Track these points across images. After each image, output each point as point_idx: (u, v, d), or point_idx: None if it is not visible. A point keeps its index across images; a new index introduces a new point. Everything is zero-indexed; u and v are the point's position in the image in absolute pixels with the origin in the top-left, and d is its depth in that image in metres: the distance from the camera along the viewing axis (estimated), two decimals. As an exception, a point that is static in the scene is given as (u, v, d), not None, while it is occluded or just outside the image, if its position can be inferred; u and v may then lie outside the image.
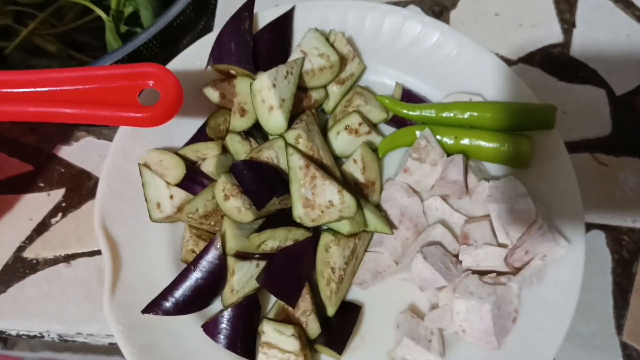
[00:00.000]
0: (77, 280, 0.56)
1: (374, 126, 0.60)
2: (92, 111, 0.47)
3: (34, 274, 0.56)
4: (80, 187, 0.59)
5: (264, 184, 0.52)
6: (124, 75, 0.48)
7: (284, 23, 0.62)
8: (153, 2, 0.76)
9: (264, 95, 0.55)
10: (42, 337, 0.54)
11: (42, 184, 0.60)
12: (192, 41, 0.65)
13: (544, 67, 0.66)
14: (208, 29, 0.72)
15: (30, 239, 0.57)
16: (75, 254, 0.57)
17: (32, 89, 0.47)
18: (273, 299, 0.53)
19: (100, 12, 0.75)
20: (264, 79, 0.55)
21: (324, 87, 0.60)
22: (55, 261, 0.57)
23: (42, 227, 0.58)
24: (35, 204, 0.59)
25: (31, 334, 0.54)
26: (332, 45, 0.60)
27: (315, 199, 0.51)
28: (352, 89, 0.61)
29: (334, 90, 0.60)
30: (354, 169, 0.56)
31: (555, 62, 0.66)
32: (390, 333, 0.52)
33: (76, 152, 0.61)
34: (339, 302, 0.52)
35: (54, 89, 0.47)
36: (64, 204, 0.59)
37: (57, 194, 0.59)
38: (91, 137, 0.61)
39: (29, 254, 0.57)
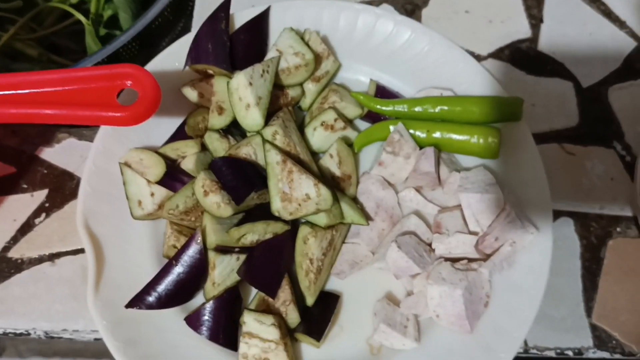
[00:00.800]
0: (62, 278, 0.57)
1: (349, 122, 0.61)
2: (73, 111, 0.48)
3: (19, 273, 0.57)
4: (62, 188, 0.60)
5: (242, 180, 0.53)
6: (102, 76, 0.49)
7: (260, 23, 0.64)
8: (132, 5, 0.78)
9: (241, 94, 0.56)
10: (29, 334, 0.55)
11: (25, 185, 0.61)
12: (171, 42, 0.66)
13: (513, 62, 0.68)
14: (187, 30, 0.73)
15: (14, 240, 0.58)
16: (60, 253, 0.58)
17: (13, 92, 0.48)
18: (254, 290, 0.55)
19: (79, 16, 0.76)
20: (240, 78, 0.56)
21: (300, 85, 0.61)
22: (39, 260, 0.58)
23: (26, 228, 0.59)
24: (19, 205, 0.60)
25: (17, 331, 0.55)
26: (307, 44, 0.62)
27: (292, 192, 0.53)
28: (327, 86, 0.63)
29: (310, 87, 0.62)
30: (330, 163, 0.58)
31: (523, 56, 0.68)
32: (368, 321, 0.53)
33: (58, 154, 0.62)
34: (318, 292, 0.54)
35: (35, 90, 0.48)
36: (47, 205, 0.60)
37: (40, 195, 0.60)
38: (72, 138, 0.62)
39: (14, 254, 0.58)
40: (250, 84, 0.56)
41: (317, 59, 0.62)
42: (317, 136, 0.60)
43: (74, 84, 0.49)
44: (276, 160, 0.54)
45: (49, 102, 0.48)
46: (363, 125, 0.63)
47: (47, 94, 0.49)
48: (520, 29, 0.70)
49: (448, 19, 0.71)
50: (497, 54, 0.68)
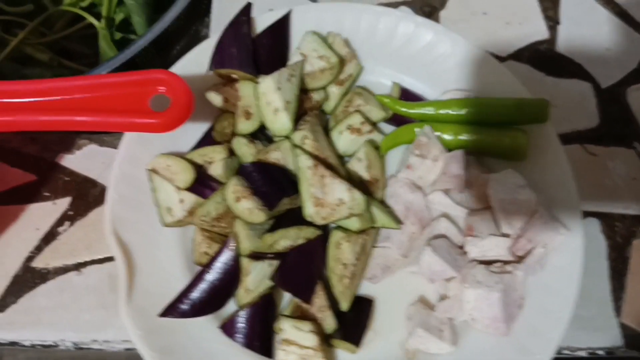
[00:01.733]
0: (88, 287, 0.56)
1: (374, 125, 0.61)
2: (105, 118, 0.47)
3: (44, 283, 0.56)
4: (85, 195, 0.59)
5: (274, 185, 0.53)
6: (134, 82, 0.48)
7: (282, 27, 0.64)
8: (145, 8, 0.77)
9: (269, 98, 0.56)
10: (57, 346, 0.54)
11: (46, 193, 0.59)
12: (185, 47, 0.66)
13: (532, 63, 0.68)
14: (198, 35, 0.73)
15: (38, 249, 0.57)
16: (85, 262, 0.57)
17: (45, 98, 0.47)
18: (287, 297, 0.54)
19: (93, 20, 0.75)
20: (268, 82, 0.56)
21: (324, 88, 0.61)
22: (65, 270, 0.57)
23: (49, 237, 0.58)
24: (41, 214, 0.59)
25: (46, 343, 0.54)
26: (331, 47, 0.61)
27: (325, 197, 0.53)
28: (351, 89, 0.63)
29: (334, 91, 0.62)
30: (358, 167, 0.58)
31: (542, 58, 0.69)
32: (402, 325, 0.53)
33: (79, 160, 0.61)
34: (352, 297, 0.53)
35: (66, 97, 0.47)
36: (70, 213, 0.59)
37: (63, 203, 0.59)
38: (93, 144, 0.62)
39: (38, 263, 0.57)
40: (279, 88, 0.56)
41: (341, 62, 0.61)
42: (344, 140, 0.59)
43: (105, 90, 0.48)
44: (307, 164, 0.53)
45: (81, 108, 0.47)
46: (388, 128, 0.62)
47: (78, 101, 0.48)
48: (538, 31, 0.70)
49: (466, 21, 0.71)
50: (517, 56, 0.69)
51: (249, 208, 0.52)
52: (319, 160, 0.54)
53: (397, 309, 0.54)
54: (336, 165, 0.56)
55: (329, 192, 0.53)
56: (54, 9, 0.79)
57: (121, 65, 0.65)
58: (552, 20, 0.71)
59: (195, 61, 0.62)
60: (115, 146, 0.62)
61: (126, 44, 0.76)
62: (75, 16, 0.79)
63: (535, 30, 0.70)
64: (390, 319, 0.54)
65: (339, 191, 0.53)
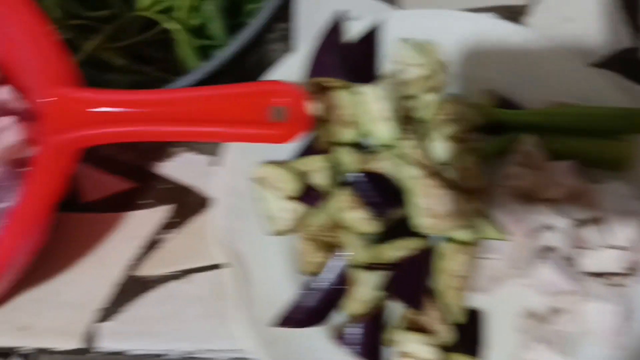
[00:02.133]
0: (193, 296, 0.56)
1: (472, 132, 0.61)
2: (226, 129, 0.48)
3: (149, 292, 0.56)
4: (185, 203, 0.59)
5: (384, 195, 0.53)
6: (253, 93, 0.48)
7: (374, 34, 0.63)
8: (224, 14, 0.76)
9: (373, 106, 0.56)
10: (167, 355, 0.54)
11: (144, 201, 0.59)
12: (260, 57, 0.66)
13: (621, 72, 0.67)
14: (271, 42, 0.71)
15: (140, 257, 0.57)
16: (190, 270, 0.57)
17: (167, 108, 0.47)
18: (398, 309, 0.54)
19: (173, 26, 0.75)
20: (372, 90, 0.55)
21: (420, 96, 0.61)
22: (168, 278, 0.56)
23: (151, 245, 0.58)
24: (141, 222, 0.58)
25: (155, 353, 0.54)
26: (428, 55, 0.61)
27: (435, 208, 0.52)
28: (446, 96, 0.62)
29: (429, 98, 0.61)
30: (458, 176, 0.57)
31: (631, 66, 0.68)
32: (513, 338, 0.53)
33: (176, 168, 0.61)
34: (463, 309, 0.53)
35: (187, 108, 0.48)
36: (170, 221, 0.59)
37: (163, 211, 0.59)
38: (190, 152, 0.61)
39: (142, 272, 0.57)
40: (383, 96, 0.55)
41: (438, 69, 0.61)
42: (443, 148, 0.59)
43: (224, 101, 0.48)
44: (416, 174, 0.53)
45: (202, 119, 0.48)
46: (483, 136, 0.62)
47: (198, 111, 0.48)
48: (624, 39, 0.69)
49: (553, 28, 0.70)
50: (605, 64, 0.68)
51: (359, 218, 0.52)
52: (427, 169, 0.54)
53: (507, 322, 0.53)
54: (439, 174, 0.55)
55: (439, 202, 0.52)
56: (131, 13, 0.79)
57: (210, 73, 0.64)
58: (638, 29, 0.70)
59: (288, 70, 0.61)
60: (208, 153, 0.61)
61: (205, 51, 0.77)
62: (149, 21, 0.79)
63: (621, 37, 0.69)
64: (501, 332, 0.53)
65: (449, 201, 0.52)
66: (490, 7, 0.72)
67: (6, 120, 0.54)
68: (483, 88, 0.63)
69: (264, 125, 0.48)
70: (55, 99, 0.46)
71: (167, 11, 0.80)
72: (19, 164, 0.52)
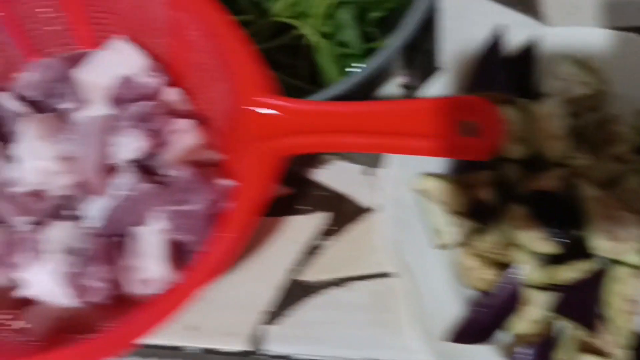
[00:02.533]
0: (355, 304, 0.56)
1: (634, 153, 0.60)
2: (420, 143, 0.47)
3: (311, 297, 0.57)
4: (341, 211, 0.60)
5: (561, 214, 0.52)
6: (446, 108, 0.48)
7: (532, 50, 0.62)
8: (359, 22, 0.76)
9: (547, 123, 0.55)
10: (330, 362, 0.54)
11: (302, 207, 0.60)
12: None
13: None
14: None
15: (302, 262, 0.58)
16: (349, 278, 0.57)
17: (360, 121, 0.47)
18: (566, 331, 0.53)
19: (312, 34, 0.74)
20: (546, 107, 0.55)
21: (584, 114, 0.60)
22: (330, 284, 0.57)
23: (311, 250, 0.58)
24: (299, 227, 0.59)
25: (321, 358, 0.54)
26: (590, 73, 0.60)
27: (614, 230, 0.51)
28: (607, 115, 0.61)
29: (594, 117, 0.60)
30: (626, 197, 0.56)
31: None
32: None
33: (330, 176, 0.61)
34: (634, 333, 0.52)
35: (379, 121, 0.48)
36: (329, 227, 0.59)
37: (320, 217, 0.60)
38: (343, 161, 0.62)
39: (304, 277, 0.57)
40: (557, 113, 0.55)
41: (600, 87, 0.60)
42: (606, 168, 0.58)
43: (419, 115, 0.48)
44: (594, 195, 0.52)
45: (395, 132, 0.48)
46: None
47: (391, 124, 0.48)
48: None
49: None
50: None
51: (535, 237, 0.51)
52: (605, 189, 0.53)
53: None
54: (618, 196, 0.54)
55: (618, 224, 0.51)
56: (264, 19, 0.80)
57: (353, 88, 0.64)
58: None
59: (437, 85, 0.61)
60: (361, 163, 0.62)
61: (342, 60, 0.76)
62: (279, 27, 0.79)
63: None
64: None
65: (628, 224, 0.51)
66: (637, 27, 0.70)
67: (184, 123, 0.55)
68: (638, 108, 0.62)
69: (460, 140, 0.47)
70: (263, 107, 0.47)
71: (299, 17, 0.80)
72: (201, 167, 0.53)
